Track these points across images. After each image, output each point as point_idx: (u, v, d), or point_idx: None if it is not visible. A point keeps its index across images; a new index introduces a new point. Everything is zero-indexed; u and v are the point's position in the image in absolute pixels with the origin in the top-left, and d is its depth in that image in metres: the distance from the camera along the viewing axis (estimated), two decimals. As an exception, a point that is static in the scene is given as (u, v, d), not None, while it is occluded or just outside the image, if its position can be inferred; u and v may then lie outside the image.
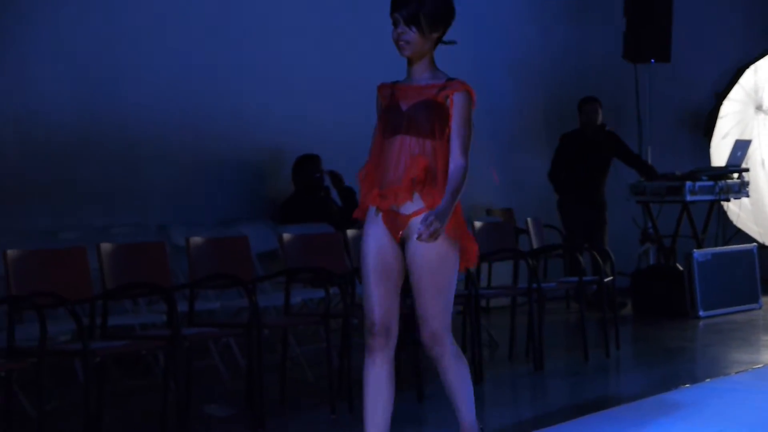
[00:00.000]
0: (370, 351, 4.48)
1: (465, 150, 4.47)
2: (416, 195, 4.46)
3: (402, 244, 4.52)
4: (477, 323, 7.30)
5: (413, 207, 4.47)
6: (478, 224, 8.55)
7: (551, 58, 12.13)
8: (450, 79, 4.52)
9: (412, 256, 4.48)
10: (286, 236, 7.13)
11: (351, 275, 6.99)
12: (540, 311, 7.80)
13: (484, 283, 9.70)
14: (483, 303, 8.89)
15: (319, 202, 9.18)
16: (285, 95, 9.51)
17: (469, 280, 7.45)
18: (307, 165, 9.18)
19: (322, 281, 6.56)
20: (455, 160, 4.45)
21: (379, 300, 4.49)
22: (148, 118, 8.66)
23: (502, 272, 9.70)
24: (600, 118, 10.78)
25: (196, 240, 6.71)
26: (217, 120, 9.10)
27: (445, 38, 4.56)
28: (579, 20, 12.37)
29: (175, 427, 5.78)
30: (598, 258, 8.64)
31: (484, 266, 9.74)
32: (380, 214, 4.50)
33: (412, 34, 4.46)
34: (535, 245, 9.07)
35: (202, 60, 8.98)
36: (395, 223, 4.49)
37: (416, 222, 4.42)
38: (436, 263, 4.45)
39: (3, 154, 7.92)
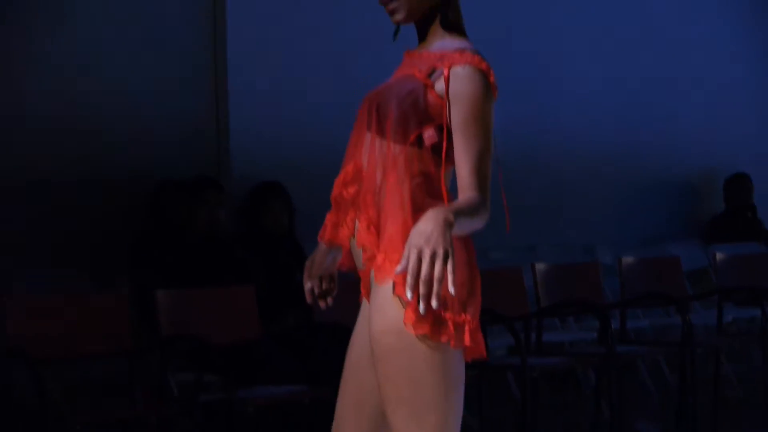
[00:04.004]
0: None
1: (479, 174, 2.55)
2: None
3: None
4: None
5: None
6: None
7: None
8: (460, 50, 2.62)
9: (370, 349, 2.60)
10: (719, 255, 7.14)
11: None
12: None
13: None
14: None
15: (747, 221, 9.05)
16: (716, 114, 9.39)
17: None
18: (738, 184, 9.09)
19: (757, 300, 6.49)
20: (465, 192, 2.57)
21: None
22: (576, 139, 8.78)
23: None
24: None
25: (627, 260, 6.88)
26: (646, 139, 9.09)
27: None
28: None
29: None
30: None
31: None
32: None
33: None
34: None
35: (633, 78, 9.01)
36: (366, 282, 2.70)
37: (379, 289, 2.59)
38: (404, 359, 2.50)
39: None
